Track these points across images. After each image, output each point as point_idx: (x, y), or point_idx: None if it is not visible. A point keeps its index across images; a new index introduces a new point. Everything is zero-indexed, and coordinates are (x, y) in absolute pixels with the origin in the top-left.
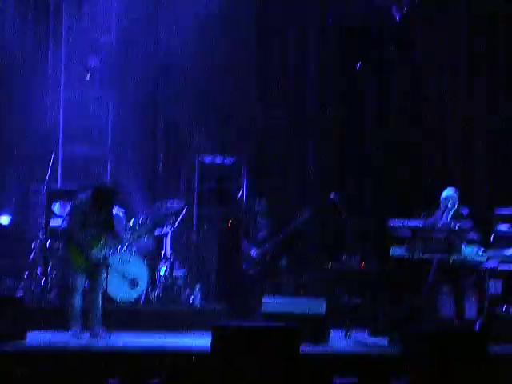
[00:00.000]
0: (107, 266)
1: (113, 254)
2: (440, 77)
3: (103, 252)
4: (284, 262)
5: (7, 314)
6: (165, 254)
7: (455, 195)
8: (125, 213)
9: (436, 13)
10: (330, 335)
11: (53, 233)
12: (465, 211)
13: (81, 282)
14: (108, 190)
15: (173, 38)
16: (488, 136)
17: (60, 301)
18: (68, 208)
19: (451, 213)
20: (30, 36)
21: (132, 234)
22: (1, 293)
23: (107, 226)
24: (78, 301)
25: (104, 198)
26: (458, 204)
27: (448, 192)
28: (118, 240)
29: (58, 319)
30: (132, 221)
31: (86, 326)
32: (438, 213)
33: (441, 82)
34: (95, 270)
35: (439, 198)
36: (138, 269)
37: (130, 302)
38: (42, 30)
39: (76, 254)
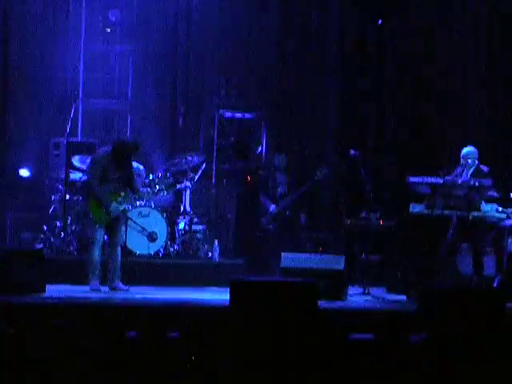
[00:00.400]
0: (126, 220)
1: (132, 208)
2: (463, 35)
3: (122, 206)
4: (303, 218)
5: (27, 266)
6: (184, 208)
7: (475, 153)
8: (145, 167)
9: None
10: (348, 291)
11: (72, 186)
12: (484, 169)
13: (100, 236)
14: (128, 145)
15: None
16: (508, 95)
17: (79, 254)
18: (88, 162)
19: (471, 170)
20: None
21: (151, 188)
22: (21, 245)
23: (127, 181)
24: (97, 254)
25: (124, 152)
26: (478, 162)
27: (468, 149)
28: (138, 195)
29: (77, 272)
30: (152, 175)
31: (105, 279)
32: (458, 170)
33: (463, 40)
34: (114, 223)
35: (459, 156)
36: (157, 223)
37: (149, 256)
38: None
39: (95, 207)
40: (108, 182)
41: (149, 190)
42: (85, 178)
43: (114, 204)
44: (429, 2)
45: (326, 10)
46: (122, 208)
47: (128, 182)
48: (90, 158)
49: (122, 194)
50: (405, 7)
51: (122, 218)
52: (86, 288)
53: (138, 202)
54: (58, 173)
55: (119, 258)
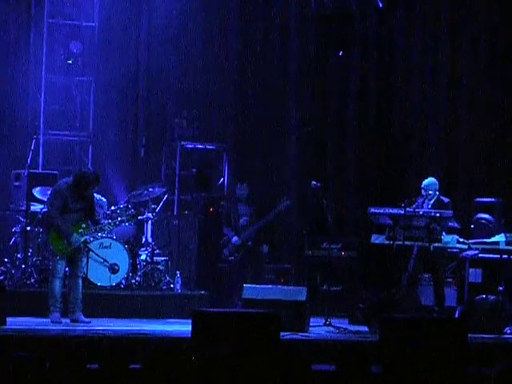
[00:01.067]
0: (88, 251)
1: (93, 239)
2: (423, 65)
3: (84, 237)
4: (265, 249)
5: None
6: (146, 239)
7: (436, 184)
8: (107, 199)
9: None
10: (310, 323)
11: (33, 218)
12: (445, 200)
13: (61, 267)
14: (89, 177)
15: (156, 23)
16: (470, 126)
17: (40, 286)
18: (49, 193)
19: (432, 201)
20: (11, 20)
21: (113, 220)
22: None
23: (88, 212)
24: (58, 286)
25: (85, 184)
26: (439, 193)
27: (429, 181)
28: (99, 226)
29: (38, 304)
30: (113, 207)
31: (66, 312)
32: (419, 201)
33: (424, 71)
34: (75, 255)
35: (420, 187)
36: (118, 254)
37: (111, 288)
38: (24, 14)
39: (56, 238)
40: (69, 214)
41: (110, 221)
42: (45, 209)
43: (75, 235)
44: (392, 39)
45: (287, 40)
46: (82, 239)
47: (89, 214)
48: (51, 189)
49: (83, 225)
50: (367, 39)
51: (83, 249)
52: (47, 320)
53: (99, 234)
54: (18, 204)
55: (80, 290)
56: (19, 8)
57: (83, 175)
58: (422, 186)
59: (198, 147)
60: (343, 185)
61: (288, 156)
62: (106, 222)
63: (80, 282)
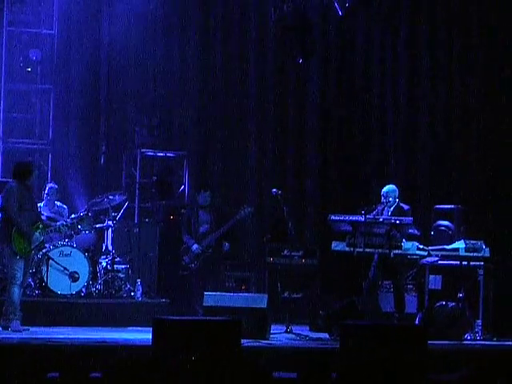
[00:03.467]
0: (48, 260)
1: (53, 247)
2: (383, 73)
3: (42, 236)
4: (226, 246)
5: None
6: (106, 247)
7: (395, 191)
8: (68, 207)
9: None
10: (271, 330)
11: None
12: (405, 207)
13: (20, 274)
14: (26, 162)
15: (115, 31)
16: (429, 133)
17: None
18: (0, 199)
19: (392, 208)
20: None
21: (72, 227)
22: None
23: (38, 213)
24: (17, 293)
25: (24, 168)
26: (399, 200)
27: (388, 187)
28: (55, 227)
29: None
30: (73, 215)
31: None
32: (379, 208)
33: (384, 79)
34: (26, 262)
35: (380, 194)
36: (78, 262)
37: (71, 296)
38: None
39: (18, 238)
40: (24, 213)
41: (63, 222)
42: (1, 214)
43: (36, 233)
44: (351, 46)
45: (247, 48)
46: (41, 239)
47: (39, 215)
48: (2, 194)
49: (41, 225)
50: (328, 47)
51: (29, 258)
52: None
53: (59, 242)
54: None
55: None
56: None
57: (21, 162)
58: (382, 193)
59: (159, 155)
60: (303, 192)
61: (248, 163)
62: (59, 223)
63: (21, 290)
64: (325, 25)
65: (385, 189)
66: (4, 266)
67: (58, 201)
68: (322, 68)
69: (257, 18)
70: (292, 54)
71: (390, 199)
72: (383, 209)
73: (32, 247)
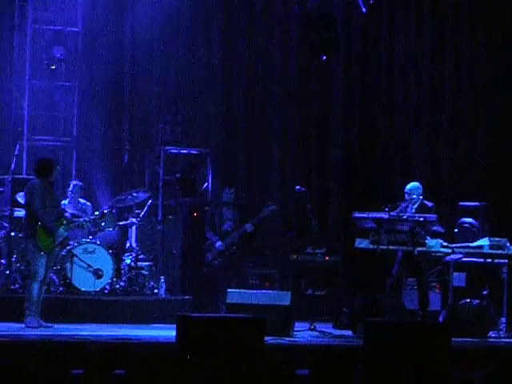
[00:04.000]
0: (72, 257)
1: (77, 244)
2: (406, 70)
3: (66, 233)
4: (249, 227)
5: None
6: (130, 244)
7: (419, 188)
8: (92, 204)
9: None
10: (295, 327)
11: (17, 223)
12: (429, 204)
13: (43, 270)
14: (49, 158)
15: (139, 28)
16: (454, 130)
17: (25, 291)
18: (23, 194)
19: (415, 206)
20: None
21: (95, 223)
22: None
23: (60, 209)
24: (37, 289)
25: (48, 165)
26: (422, 197)
27: (412, 185)
28: (78, 223)
29: (22, 310)
30: (97, 212)
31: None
32: (402, 205)
33: (407, 76)
34: (50, 259)
35: (404, 192)
36: (102, 259)
37: (95, 293)
38: (8, 20)
39: (43, 234)
40: (47, 210)
41: (86, 218)
42: (22, 211)
43: (60, 230)
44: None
45: (271, 45)
46: (65, 235)
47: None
48: (24, 192)
49: (64, 222)
50: (351, 44)
51: (53, 255)
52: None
53: (83, 239)
54: (2, 210)
55: (41, 296)
56: (3, 14)
57: (44, 158)
58: (406, 190)
59: (182, 152)
60: (327, 189)
61: (272, 161)
62: (82, 219)
63: (42, 286)
64: (348, 22)
65: (408, 186)
66: (27, 262)
67: (81, 198)
68: (346, 65)
69: (280, 15)
70: (315, 52)
71: (414, 196)
72: (407, 206)
73: (56, 243)
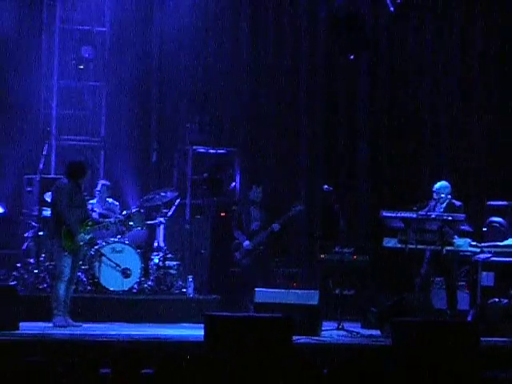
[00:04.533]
0: (100, 256)
1: (105, 244)
2: (434, 69)
3: (89, 235)
4: (276, 227)
5: (0, 304)
6: (158, 244)
7: (448, 187)
8: (120, 203)
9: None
10: (323, 327)
11: (46, 223)
12: (457, 203)
13: (68, 270)
14: (81, 161)
15: (167, 28)
16: (482, 129)
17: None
18: (50, 194)
19: (444, 205)
20: (24, 26)
21: (122, 223)
22: None
23: (86, 209)
24: (63, 289)
25: (79, 167)
26: (451, 196)
27: (441, 184)
28: (103, 224)
29: (51, 309)
30: (125, 211)
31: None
32: (431, 204)
33: (435, 74)
34: (76, 259)
35: (432, 191)
36: (130, 259)
37: (123, 292)
38: (36, 20)
39: (67, 235)
40: (73, 209)
41: (111, 220)
42: (49, 211)
43: (81, 235)
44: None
45: (298, 47)
46: (88, 237)
47: (87, 211)
48: (51, 191)
49: (90, 222)
50: (378, 43)
51: (78, 254)
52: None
53: (111, 239)
54: (31, 209)
55: (70, 295)
56: (31, 14)
57: (75, 161)
58: (434, 189)
59: (210, 152)
60: (355, 188)
61: (299, 160)
62: (107, 220)
63: (69, 286)
64: (376, 20)
65: (437, 185)
66: (52, 261)
67: (109, 197)
68: (373, 64)
69: (308, 14)
70: (343, 50)
71: (442, 195)
72: (435, 205)
73: (81, 243)
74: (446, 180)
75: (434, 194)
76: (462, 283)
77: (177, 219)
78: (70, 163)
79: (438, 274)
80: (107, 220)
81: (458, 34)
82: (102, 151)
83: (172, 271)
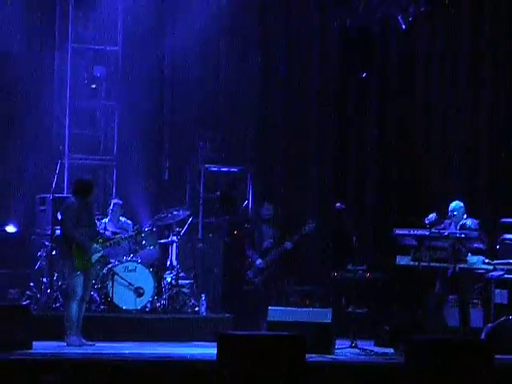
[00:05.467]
0: (113, 275)
1: (118, 263)
2: (443, 89)
3: (101, 251)
4: (289, 245)
5: (14, 323)
6: (170, 262)
7: (462, 207)
8: (132, 222)
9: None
10: (336, 345)
11: (59, 241)
12: (473, 223)
13: (80, 290)
14: (87, 180)
15: (178, 48)
16: (493, 146)
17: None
18: (59, 213)
19: (459, 224)
20: (36, 46)
21: (132, 239)
22: (7, 302)
23: (95, 226)
24: (75, 309)
25: (86, 186)
26: (467, 215)
27: (456, 204)
28: (114, 240)
29: (63, 328)
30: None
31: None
32: (445, 222)
33: (444, 94)
34: (87, 278)
35: (447, 209)
36: (143, 277)
37: (136, 311)
38: (49, 39)
39: (78, 253)
40: (82, 229)
41: (121, 235)
42: (59, 230)
43: (95, 245)
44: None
45: (308, 63)
46: (101, 250)
47: (96, 230)
48: (60, 210)
49: (100, 240)
50: (390, 61)
51: (90, 273)
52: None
53: (124, 257)
54: (44, 228)
55: (82, 314)
56: (44, 33)
57: (80, 179)
58: (450, 208)
59: (222, 170)
60: (366, 206)
61: (310, 178)
62: (117, 236)
63: (83, 305)
64: (388, 39)
65: (452, 205)
66: (65, 281)
67: (122, 216)
68: (384, 81)
69: (320, 32)
70: (354, 68)
71: (455, 213)
72: (450, 223)
73: (92, 260)
74: (459, 199)
75: (449, 213)
76: (475, 301)
77: (189, 238)
78: (76, 181)
79: (452, 292)
80: (117, 236)
81: (468, 50)
82: (115, 170)
83: (185, 290)
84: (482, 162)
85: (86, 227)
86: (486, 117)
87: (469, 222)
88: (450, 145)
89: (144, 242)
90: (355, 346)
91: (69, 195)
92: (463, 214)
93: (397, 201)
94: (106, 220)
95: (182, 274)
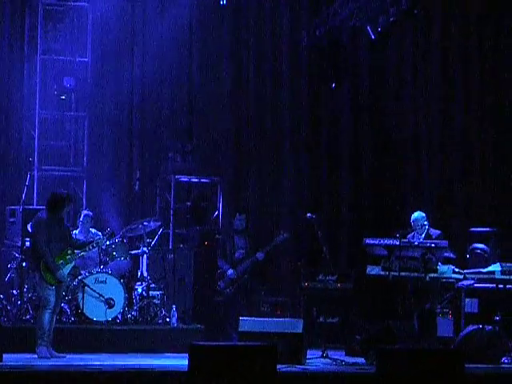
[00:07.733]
0: (83, 286)
1: (89, 274)
2: (415, 98)
3: (71, 264)
4: (260, 256)
5: None
6: (141, 273)
7: (424, 217)
8: (102, 234)
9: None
10: (307, 355)
11: (29, 254)
12: (436, 233)
13: (53, 299)
14: (63, 193)
15: (149, 59)
16: (464, 156)
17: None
18: (29, 227)
19: (423, 235)
20: (5, 56)
21: (109, 255)
22: None
23: (69, 240)
24: (47, 318)
25: (60, 200)
26: (429, 225)
27: (418, 214)
28: (83, 249)
29: (34, 340)
30: (108, 242)
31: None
32: (409, 236)
33: (416, 103)
34: (59, 289)
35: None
36: (114, 289)
37: (107, 322)
38: (18, 50)
39: (46, 271)
40: (53, 244)
41: (90, 245)
42: (29, 243)
43: (60, 272)
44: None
45: (279, 74)
46: (69, 270)
47: (70, 242)
48: (31, 223)
49: (69, 251)
50: (360, 71)
51: (64, 285)
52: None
53: (94, 269)
54: (14, 240)
55: (52, 326)
56: (12, 44)
57: (56, 193)
58: (412, 219)
59: (193, 180)
60: (338, 216)
61: (282, 189)
62: (87, 242)
63: (53, 316)
64: (357, 49)
65: (413, 216)
66: (35, 292)
67: (92, 228)
68: (355, 92)
69: (289, 43)
70: (325, 79)
71: (419, 224)
72: (413, 236)
73: (64, 277)
74: (421, 210)
75: (412, 224)
76: (446, 310)
77: (160, 248)
78: (51, 195)
79: (422, 302)
80: (87, 243)
81: (438, 59)
82: (85, 181)
83: (155, 301)
84: (454, 171)
85: (57, 242)
86: (459, 127)
87: (431, 231)
88: (421, 155)
89: (114, 254)
90: (326, 356)
91: (41, 207)
92: (425, 224)
93: (370, 212)
94: (76, 231)
95: (152, 285)
